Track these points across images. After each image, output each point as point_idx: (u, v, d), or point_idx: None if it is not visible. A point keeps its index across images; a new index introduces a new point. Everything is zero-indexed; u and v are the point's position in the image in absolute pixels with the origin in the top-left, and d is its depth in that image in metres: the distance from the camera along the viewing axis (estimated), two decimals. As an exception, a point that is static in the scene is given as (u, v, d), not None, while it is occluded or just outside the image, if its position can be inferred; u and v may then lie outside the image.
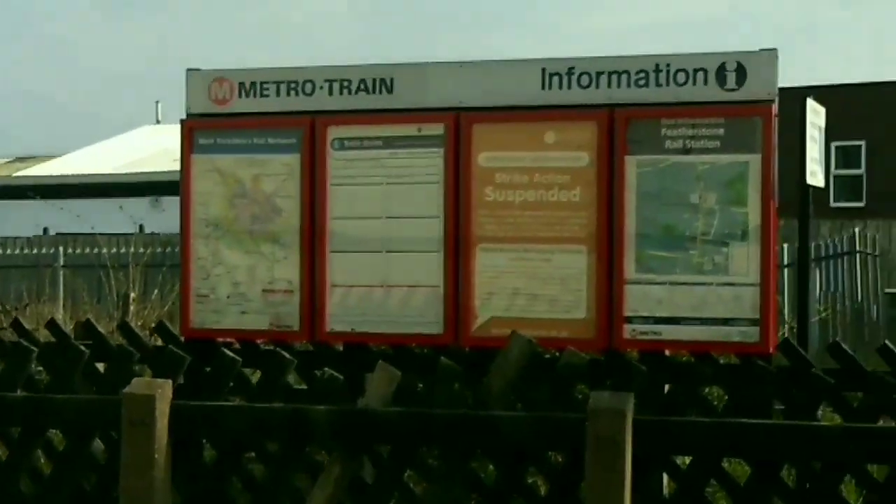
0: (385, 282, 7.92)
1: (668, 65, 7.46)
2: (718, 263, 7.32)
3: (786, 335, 10.97)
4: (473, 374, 6.32)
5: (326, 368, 6.25)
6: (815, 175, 7.82)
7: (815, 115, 7.96)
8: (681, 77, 7.43)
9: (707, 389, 8.15)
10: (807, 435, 5.26)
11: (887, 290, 20.54)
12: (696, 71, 7.40)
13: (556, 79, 7.66)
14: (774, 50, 7.30)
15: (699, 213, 7.37)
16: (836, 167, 37.26)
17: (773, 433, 5.30)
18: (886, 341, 6.90)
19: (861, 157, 37.00)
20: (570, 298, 7.61)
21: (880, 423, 6.15)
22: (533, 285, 7.68)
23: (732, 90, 7.34)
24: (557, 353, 6.61)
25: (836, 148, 37.00)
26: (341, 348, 8.30)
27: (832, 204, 36.08)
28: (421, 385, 7.21)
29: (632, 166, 7.48)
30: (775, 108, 7.28)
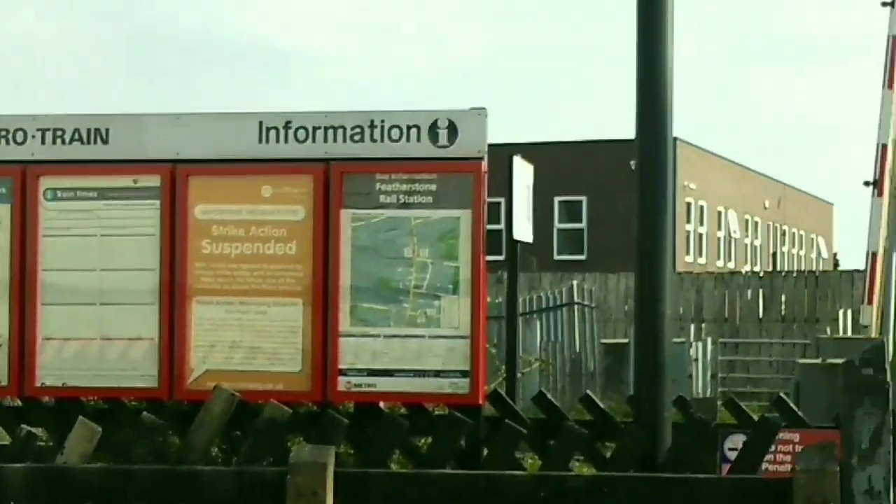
0: (100, 335, 7.80)
1: (382, 121, 7.62)
2: (431, 316, 7.49)
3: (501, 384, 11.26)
4: (186, 427, 6.29)
5: (23, 425, 6.11)
6: (522, 230, 8.10)
7: (523, 172, 8.25)
8: (395, 133, 7.60)
9: (421, 441, 8.30)
10: (491, 483, 5.45)
11: (603, 341, 21.26)
12: (409, 127, 7.58)
13: (273, 132, 7.73)
14: (484, 109, 7.54)
15: (413, 266, 7.53)
16: (560, 221, 38.50)
17: (461, 483, 5.49)
18: (588, 391, 7.21)
19: (583, 211, 38.32)
20: (286, 351, 7.65)
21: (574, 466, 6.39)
22: (251, 338, 7.70)
23: (444, 147, 7.54)
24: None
25: (560, 203, 38.26)
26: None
27: (556, 257, 37.22)
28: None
29: (347, 220, 7.60)
30: (485, 164, 7.52)
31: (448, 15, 72.63)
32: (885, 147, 13.22)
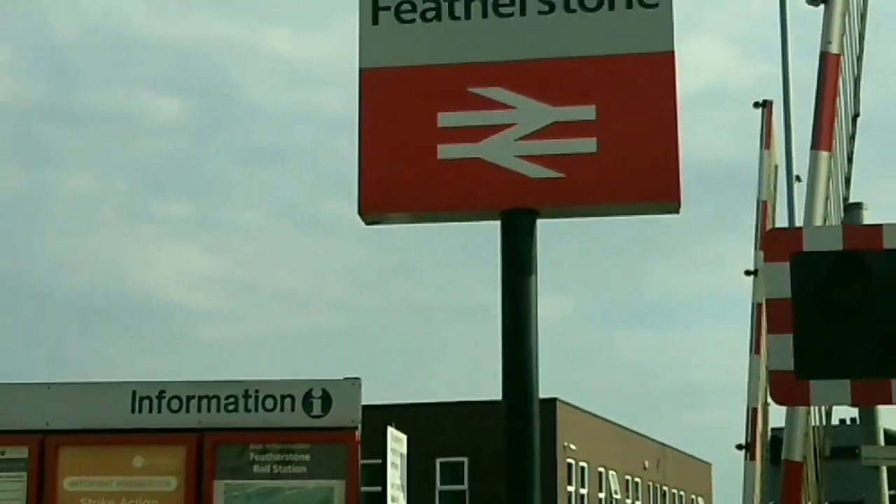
0: None
1: (256, 391, 7.64)
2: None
3: None
4: None
5: None
6: (395, 500, 8.09)
7: (397, 442, 8.30)
8: (269, 402, 7.61)
9: None
10: None
11: None
12: (283, 397, 7.60)
13: (146, 402, 7.69)
14: (358, 379, 7.61)
15: (286, 537, 7.43)
16: (441, 483, 38.23)
17: None
18: None
19: (464, 473, 38.13)
20: None
21: None
22: None
23: (318, 417, 7.56)
24: None
25: (441, 464, 38.08)
26: None
27: (437, 519, 36.81)
28: None
29: (220, 491, 7.52)
30: (358, 434, 7.53)
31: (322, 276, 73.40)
32: (755, 411, 13.47)
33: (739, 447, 13.41)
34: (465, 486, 37.97)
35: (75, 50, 69.14)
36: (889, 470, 6.56)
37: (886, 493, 6.55)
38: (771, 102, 14.17)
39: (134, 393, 7.71)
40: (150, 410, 7.68)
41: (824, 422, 10.20)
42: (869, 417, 6.52)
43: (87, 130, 67.70)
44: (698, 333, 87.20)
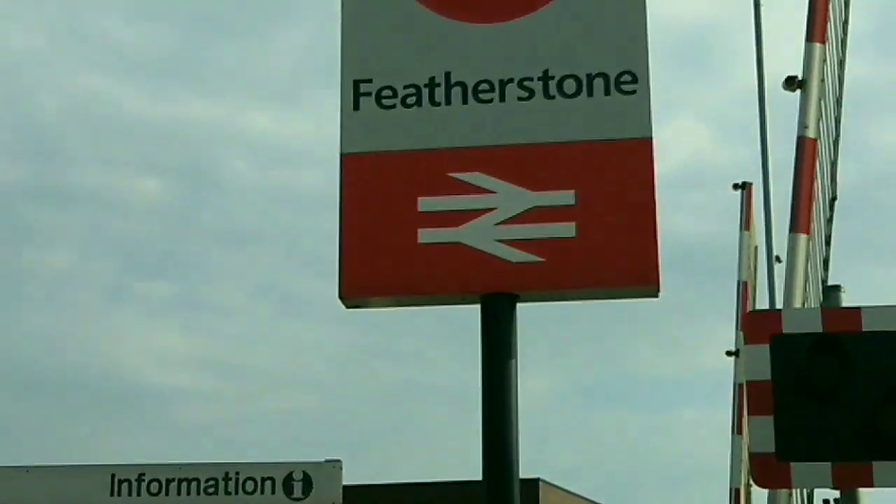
0: None
1: (237, 473, 7.63)
2: None
3: None
4: None
5: None
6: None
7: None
8: (250, 485, 7.59)
9: None
10: None
11: None
12: (264, 480, 7.59)
13: (125, 485, 7.65)
14: (339, 461, 7.59)
15: None
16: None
17: None
18: None
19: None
20: None
21: None
22: None
23: (299, 500, 7.53)
24: None
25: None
26: None
27: None
28: None
29: (199, 576, 7.46)
30: (339, 518, 7.51)
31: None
32: (738, 491, 13.47)
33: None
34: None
35: (56, 128, 69.28)
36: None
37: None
38: (750, 184, 14.34)
39: (113, 476, 7.68)
40: (130, 493, 7.65)
41: (806, 502, 10.19)
42: (850, 500, 6.52)
43: (68, 209, 67.72)
44: (682, 413, 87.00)
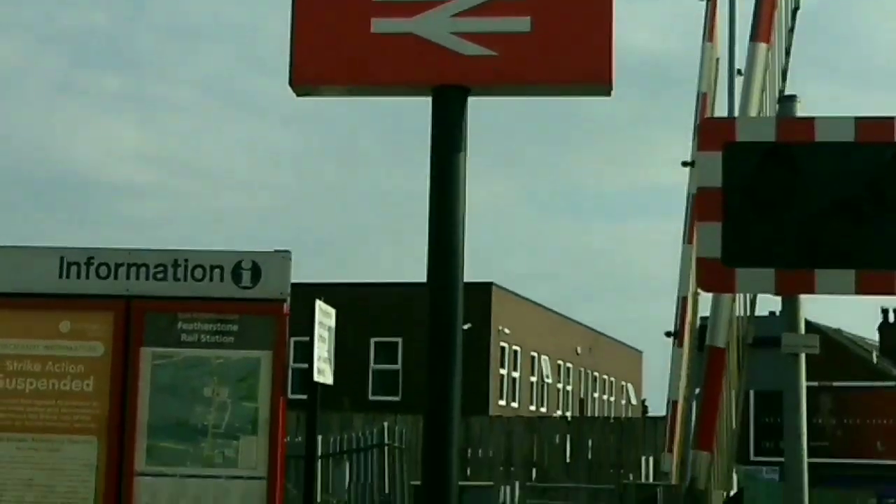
0: None
1: (186, 260, 7.62)
2: (228, 457, 7.44)
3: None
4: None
5: None
6: (322, 373, 8.16)
7: (325, 315, 8.33)
8: (198, 272, 7.60)
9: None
10: None
11: (414, 483, 21.24)
12: (213, 268, 7.59)
13: (74, 268, 7.65)
14: (288, 252, 7.61)
15: (212, 406, 7.49)
16: (375, 362, 38.55)
17: None
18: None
19: (398, 353, 38.44)
20: (81, 492, 7.49)
21: None
22: (44, 477, 7.51)
23: (247, 288, 7.57)
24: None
25: (376, 343, 38.36)
26: None
27: (370, 397, 37.18)
28: None
29: (147, 358, 7.53)
30: (287, 307, 7.56)
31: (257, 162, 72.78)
32: (685, 300, 13.64)
33: (668, 334, 13.62)
34: (398, 366, 38.32)
35: None
36: (807, 360, 6.68)
37: (804, 382, 6.68)
38: (716, -6, 14.12)
39: (62, 259, 7.66)
40: (79, 276, 7.65)
41: (748, 311, 10.37)
42: (791, 307, 6.63)
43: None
44: (634, 224, 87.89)
